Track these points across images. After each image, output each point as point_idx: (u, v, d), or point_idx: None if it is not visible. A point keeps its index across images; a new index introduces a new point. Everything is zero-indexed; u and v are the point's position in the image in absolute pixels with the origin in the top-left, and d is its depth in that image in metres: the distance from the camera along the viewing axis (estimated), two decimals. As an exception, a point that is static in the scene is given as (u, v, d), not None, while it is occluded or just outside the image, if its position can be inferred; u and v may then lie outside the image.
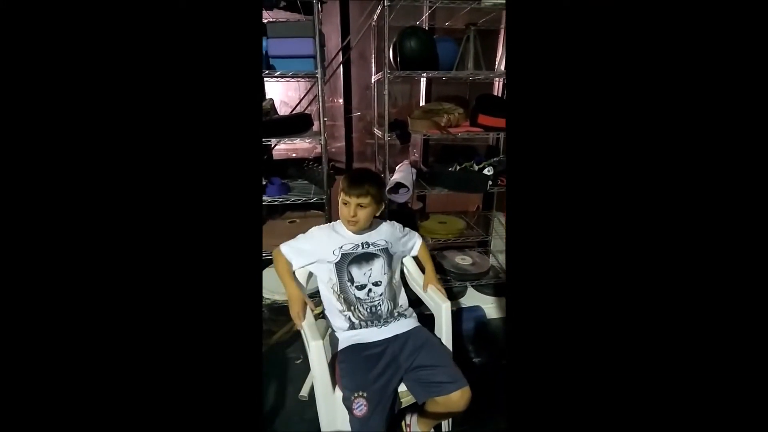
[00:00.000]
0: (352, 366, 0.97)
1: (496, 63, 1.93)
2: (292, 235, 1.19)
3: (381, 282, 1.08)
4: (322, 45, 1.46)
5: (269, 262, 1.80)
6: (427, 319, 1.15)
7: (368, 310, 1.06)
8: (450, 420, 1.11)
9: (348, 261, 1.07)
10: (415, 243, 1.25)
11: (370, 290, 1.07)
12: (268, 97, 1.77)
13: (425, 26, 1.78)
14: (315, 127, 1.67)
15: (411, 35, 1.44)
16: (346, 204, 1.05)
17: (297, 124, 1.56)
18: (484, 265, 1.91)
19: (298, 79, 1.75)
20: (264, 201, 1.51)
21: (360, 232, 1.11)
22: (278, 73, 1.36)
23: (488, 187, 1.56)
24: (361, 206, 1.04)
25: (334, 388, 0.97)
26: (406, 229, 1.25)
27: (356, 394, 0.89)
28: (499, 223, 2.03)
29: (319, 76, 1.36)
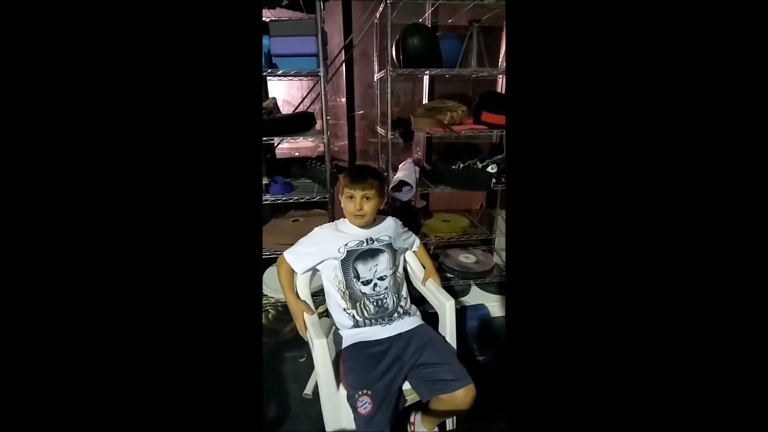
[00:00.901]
0: (357, 364, 0.97)
1: (500, 60, 1.92)
2: (296, 234, 1.19)
3: (386, 276, 1.08)
4: (325, 43, 1.46)
5: (272, 261, 1.82)
6: (431, 317, 1.15)
7: (374, 304, 1.06)
8: (454, 418, 1.11)
9: (353, 257, 1.07)
10: (414, 239, 1.26)
11: (375, 285, 1.07)
12: (270, 95, 1.78)
13: (428, 23, 1.77)
14: (318, 126, 1.67)
15: (413, 33, 1.43)
16: (351, 198, 1.06)
17: (300, 122, 1.56)
18: (488, 263, 1.90)
19: (301, 77, 1.75)
20: (267, 200, 1.52)
21: (365, 227, 1.11)
22: (281, 71, 1.36)
23: (492, 185, 1.55)
24: (367, 198, 1.05)
25: (338, 386, 0.97)
26: (405, 226, 1.26)
27: (360, 392, 0.89)
28: (502, 221, 2.02)
29: (321, 74, 1.36)
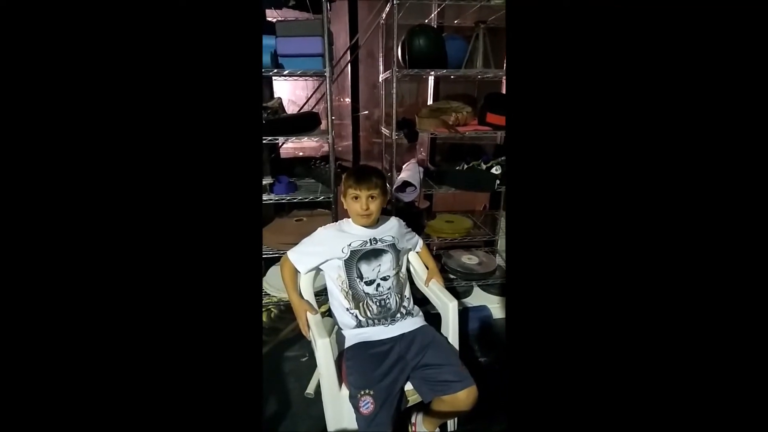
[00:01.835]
0: (359, 364, 0.97)
1: (505, 61, 1.92)
2: (299, 233, 1.20)
3: (389, 276, 1.09)
4: (331, 44, 1.46)
5: (275, 260, 1.82)
6: (433, 318, 1.15)
7: (377, 304, 1.07)
8: (455, 419, 1.11)
9: (357, 257, 1.08)
10: (417, 240, 1.27)
11: (378, 285, 1.07)
12: (276, 95, 1.78)
13: (434, 24, 1.78)
14: (322, 126, 1.67)
15: (420, 33, 1.43)
16: (356, 198, 1.06)
17: (305, 122, 1.56)
18: (490, 264, 1.90)
19: (307, 77, 1.76)
20: (271, 199, 1.52)
21: (370, 226, 1.11)
22: (287, 71, 1.37)
23: (496, 187, 1.55)
24: (372, 198, 1.06)
25: (340, 385, 0.97)
26: (408, 228, 1.26)
27: (363, 392, 0.90)
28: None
29: (327, 74, 1.37)
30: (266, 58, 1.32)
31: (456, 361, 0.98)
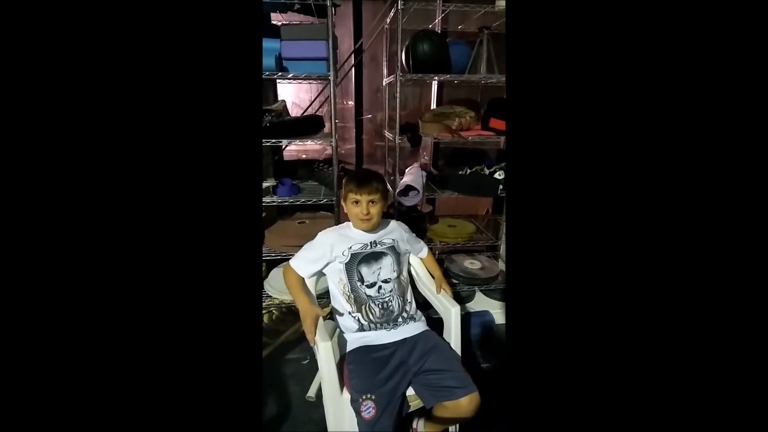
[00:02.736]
0: (361, 368, 0.97)
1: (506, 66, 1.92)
2: (301, 236, 1.20)
3: (390, 279, 1.09)
4: (335, 47, 1.47)
5: (277, 262, 1.82)
6: (435, 322, 1.14)
7: (380, 307, 1.06)
8: (457, 426, 1.10)
9: (357, 260, 1.08)
10: (422, 245, 1.27)
11: (380, 287, 1.07)
12: (280, 98, 1.79)
13: (438, 29, 1.78)
14: (326, 129, 1.68)
15: (423, 38, 1.44)
16: (357, 203, 1.07)
17: (308, 125, 1.57)
18: (493, 269, 1.89)
19: (311, 81, 1.77)
20: (274, 202, 1.53)
21: (371, 230, 1.12)
22: (291, 75, 1.37)
23: (499, 192, 1.55)
24: (373, 202, 1.07)
25: (342, 389, 0.97)
26: (413, 233, 1.26)
27: (364, 397, 0.89)
28: (508, 228, 2.01)
29: (331, 78, 1.37)
30: (271, 61, 1.33)
31: (458, 366, 0.97)
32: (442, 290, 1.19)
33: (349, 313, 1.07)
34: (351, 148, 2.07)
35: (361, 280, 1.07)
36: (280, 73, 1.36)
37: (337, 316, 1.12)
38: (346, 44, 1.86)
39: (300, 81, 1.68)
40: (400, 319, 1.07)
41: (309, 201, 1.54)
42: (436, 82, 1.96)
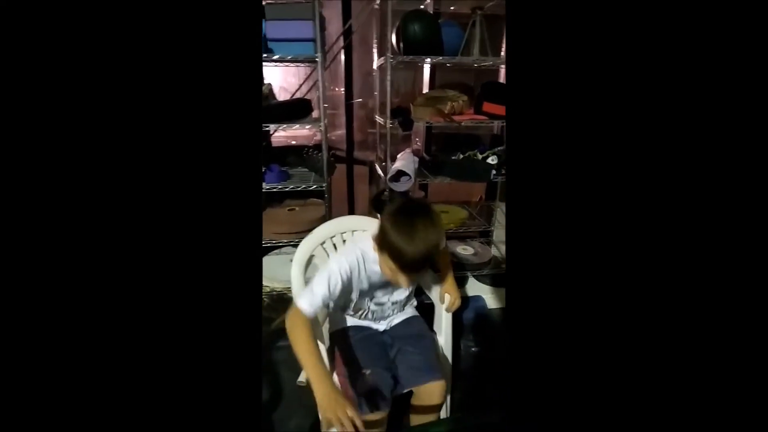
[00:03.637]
0: (351, 347, 0.97)
1: (503, 49, 1.88)
2: (292, 223, 1.17)
3: (401, 299, 1.05)
4: (323, 29, 1.42)
5: (268, 250, 1.80)
6: (426, 308, 1.14)
7: (378, 312, 1.04)
8: (446, 409, 1.11)
9: (376, 287, 0.98)
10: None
11: (385, 304, 1.04)
12: (266, 82, 1.74)
13: (430, 10, 1.73)
14: (314, 114, 1.64)
15: (414, 19, 1.40)
16: (396, 273, 0.81)
17: (296, 109, 1.53)
18: (485, 255, 1.90)
19: (298, 63, 1.71)
20: (263, 188, 1.50)
21: None
22: (277, 57, 1.33)
23: (492, 177, 1.53)
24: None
25: (332, 373, 0.96)
26: None
27: (360, 372, 0.89)
28: (501, 213, 2.01)
29: (319, 60, 1.33)
30: (256, 43, 1.28)
31: (433, 355, 0.98)
32: (448, 297, 1.04)
33: (342, 310, 1.05)
34: (341, 134, 2.03)
35: (372, 298, 1.00)
36: (265, 55, 1.32)
37: (331, 310, 1.09)
38: (335, 26, 1.80)
39: (287, 64, 1.63)
40: (392, 315, 1.07)
41: (298, 187, 1.51)
42: (429, 65, 1.92)
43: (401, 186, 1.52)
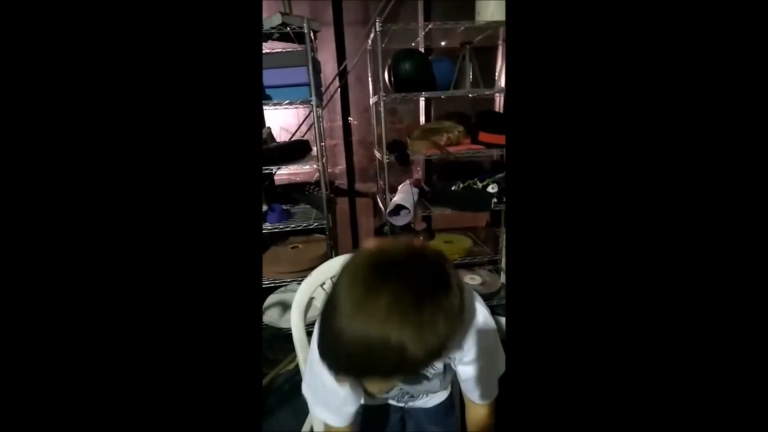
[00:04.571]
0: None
1: (495, 78, 1.91)
2: (295, 262, 1.16)
3: (433, 389, 0.90)
4: (318, 71, 1.47)
5: (271, 290, 1.80)
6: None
7: (398, 399, 0.91)
8: None
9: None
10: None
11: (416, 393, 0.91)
12: (267, 125, 1.80)
13: (421, 47, 1.78)
14: (314, 152, 1.67)
15: (405, 58, 1.44)
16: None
17: (294, 151, 1.56)
18: (494, 284, 1.84)
19: (296, 106, 1.77)
20: (265, 229, 1.51)
21: None
22: (274, 102, 1.37)
23: (493, 205, 1.51)
24: None
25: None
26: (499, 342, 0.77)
27: None
28: (508, 240, 1.97)
29: (313, 103, 1.37)
30: (253, 91, 1.33)
31: None
32: None
33: None
34: (343, 168, 2.06)
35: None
36: (263, 102, 1.36)
37: None
38: (331, 66, 1.87)
39: (285, 107, 1.69)
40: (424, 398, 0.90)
41: (299, 226, 1.52)
42: (424, 99, 1.96)
43: (400, 220, 1.51)
